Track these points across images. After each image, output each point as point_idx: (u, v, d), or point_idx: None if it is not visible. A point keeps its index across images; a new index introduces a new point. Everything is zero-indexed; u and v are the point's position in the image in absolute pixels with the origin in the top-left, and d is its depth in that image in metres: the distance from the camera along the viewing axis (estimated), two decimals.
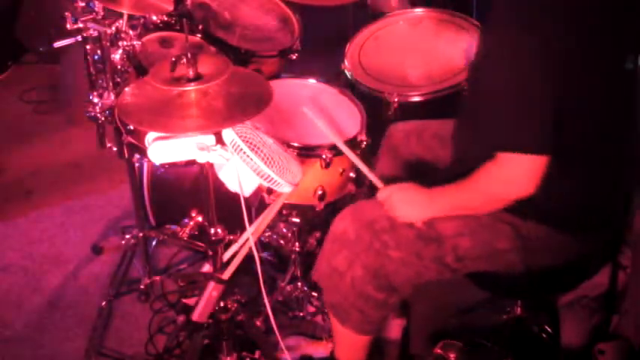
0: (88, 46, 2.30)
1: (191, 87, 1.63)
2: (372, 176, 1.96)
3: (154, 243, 2.70)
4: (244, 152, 1.74)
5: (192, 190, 2.37)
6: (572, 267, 1.88)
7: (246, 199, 1.83)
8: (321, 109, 2.29)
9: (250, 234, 1.88)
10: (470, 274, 1.91)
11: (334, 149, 2.12)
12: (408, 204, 1.84)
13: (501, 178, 1.67)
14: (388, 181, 1.94)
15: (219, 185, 1.84)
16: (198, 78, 1.65)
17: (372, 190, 2.22)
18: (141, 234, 2.52)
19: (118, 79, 2.36)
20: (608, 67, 1.71)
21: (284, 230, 2.45)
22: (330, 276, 1.92)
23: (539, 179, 1.63)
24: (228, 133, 1.73)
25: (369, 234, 1.86)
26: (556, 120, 1.59)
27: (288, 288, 2.45)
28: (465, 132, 1.88)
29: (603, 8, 1.66)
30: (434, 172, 2.08)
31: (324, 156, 2.11)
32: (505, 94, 1.61)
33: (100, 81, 2.36)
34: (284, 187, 1.84)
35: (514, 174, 1.65)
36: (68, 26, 2.24)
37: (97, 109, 2.33)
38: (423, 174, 2.01)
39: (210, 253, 1.92)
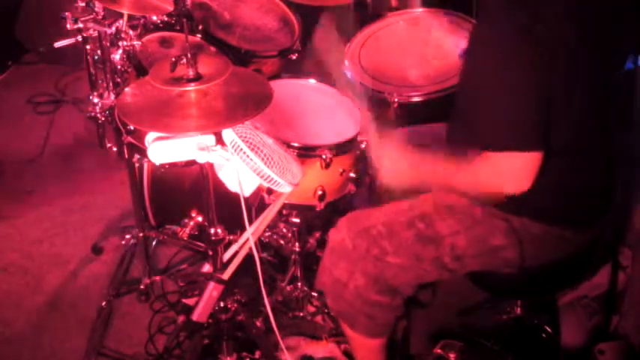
0: (88, 46, 2.30)
1: (191, 87, 1.63)
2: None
3: (154, 243, 2.69)
4: (244, 152, 1.73)
5: (192, 190, 2.36)
6: (568, 264, 1.87)
7: (246, 199, 1.83)
8: (321, 109, 2.29)
9: (250, 234, 1.88)
10: (469, 275, 1.91)
11: (334, 149, 2.12)
12: (395, 160, 1.82)
13: (494, 174, 1.63)
14: None
15: (219, 185, 1.83)
16: (198, 78, 1.65)
17: (372, 190, 2.21)
18: (141, 234, 2.51)
19: (118, 79, 2.36)
20: (605, 64, 1.69)
21: (284, 230, 2.45)
22: (333, 286, 1.92)
23: (533, 175, 1.60)
24: (228, 133, 1.73)
25: (366, 241, 1.86)
26: (546, 117, 1.58)
27: (288, 288, 2.45)
28: (457, 134, 1.87)
29: (603, 4, 1.64)
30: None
31: (324, 156, 2.10)
32: (493, 91, 1.58)
33: (100, 81, 2.36)
34: (284, 187, 1.84)
35: (507, 172, 1.61)
36: (68, 26, 2.24)
37: (97, 109, 2.33)
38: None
39: (210, 253, 1.92)
